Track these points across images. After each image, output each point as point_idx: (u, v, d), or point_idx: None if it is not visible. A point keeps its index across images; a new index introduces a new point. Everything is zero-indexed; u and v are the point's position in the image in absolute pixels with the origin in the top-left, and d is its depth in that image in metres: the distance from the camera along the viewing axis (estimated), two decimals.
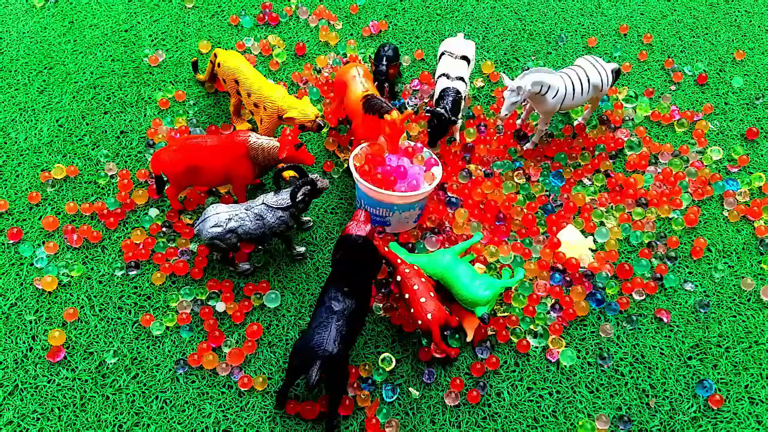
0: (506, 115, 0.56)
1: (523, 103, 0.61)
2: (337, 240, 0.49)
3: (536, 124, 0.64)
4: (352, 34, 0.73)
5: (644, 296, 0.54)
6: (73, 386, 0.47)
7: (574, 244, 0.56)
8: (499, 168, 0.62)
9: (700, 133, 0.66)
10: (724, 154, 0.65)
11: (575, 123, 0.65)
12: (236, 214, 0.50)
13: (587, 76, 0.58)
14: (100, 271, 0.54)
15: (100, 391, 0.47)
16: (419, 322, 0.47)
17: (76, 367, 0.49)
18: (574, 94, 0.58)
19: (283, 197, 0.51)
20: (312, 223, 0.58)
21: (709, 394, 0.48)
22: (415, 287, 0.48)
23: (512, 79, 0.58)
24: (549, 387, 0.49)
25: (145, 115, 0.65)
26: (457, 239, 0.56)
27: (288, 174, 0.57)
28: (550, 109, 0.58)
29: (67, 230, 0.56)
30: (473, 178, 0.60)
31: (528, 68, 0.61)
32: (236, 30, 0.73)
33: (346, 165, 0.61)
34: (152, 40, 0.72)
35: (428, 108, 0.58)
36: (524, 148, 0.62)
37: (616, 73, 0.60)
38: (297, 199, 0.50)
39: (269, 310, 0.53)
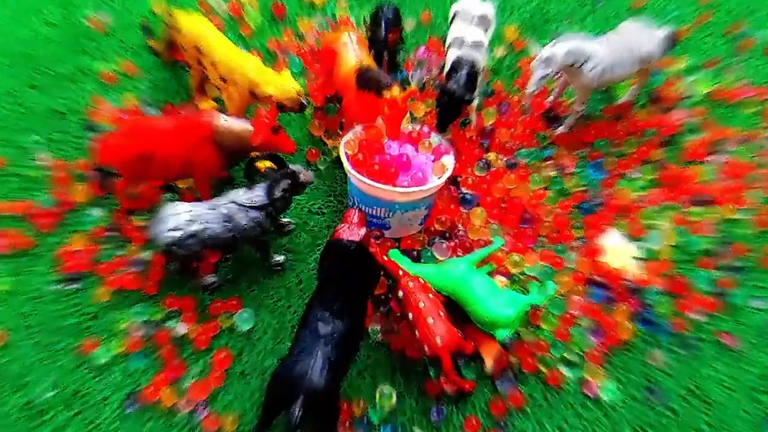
0: (534, 91, 0.55)
1: (556, 77, 0.60)
2: (324, 247, 0.49)
3: (571, 103, 0.63)
4: None
5: (703, 316, 0.54)
6: (3, 425, 0.48)
7: (617, 251, 0.56)
8: (524, 157, 0.61)
9: None
10: None
11: (619, 102, 0.64)
12: (199, 215, 0.50)
13: (633, 45, 0.57)
14: (32, 285, 0.54)
15: None
16: (426, 347, 0.48)
17: (4, 403, 0.49)
18: (617, 66, 0.57)
19: (258, 194, 0.51)
20: (293, 226, 0.58)
21: None
22: (421, 305, 0.49)
23: (542, 47, 0.57)
24: (585, 427, 0.49)
25: (85, 92, 0.65)
26: (473, 246, 0.56)
27: (263, 165, 0.56)
28: (589, 85, 0.57)
29: None
30: (493, 169, 0.60)
31: (561, 34, 0.59)
32: None
33: (335, 154, 0.61)
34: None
35: (437, 83, 0.59)
36: (556, 132, 0.61)
37: (670, 41, 0.60)
38: (274, 197, 0.51)
39: (241, 333, 0.53)
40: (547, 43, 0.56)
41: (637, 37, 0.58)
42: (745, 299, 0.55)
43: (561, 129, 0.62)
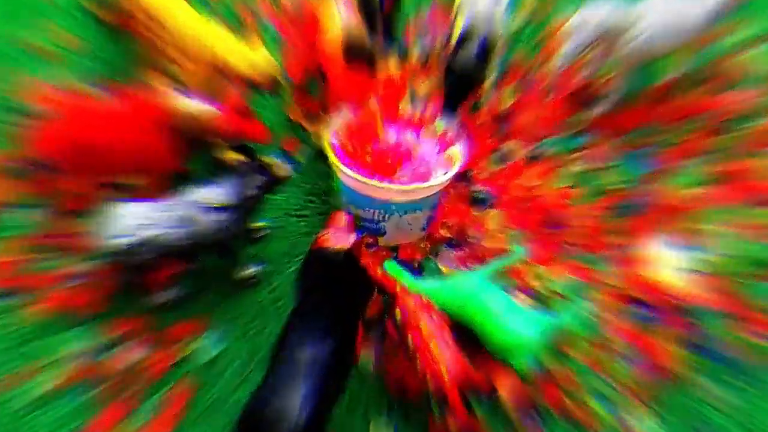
0: (564, 65, 0.57)
1: (590, 49, 0.61)
2: (305, 256, 0.50)
3: (609, 81, 0.64)
4: None
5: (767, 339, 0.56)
6: None
7: (662, 262, 0.58)
8: (550, 147, 0.63)
9: None
10: None
11: (665, 80, 0.64)
12: (152, 218, 0.51)
13: (682, 10, 0.58)
14: None
15: None
16: (429, 379, 0.49)
17: None
18: (664, 35, 0.58)
19: (223, 192, 0.52)
20: (267, 231, 0.59)
21: None
22: (424, 327, 0.50)
23: (574, 11, 0.58)
24: None
25: (14, 69, 0.66)
26: (487, 255, 0.58)
27: (231, 157, 0.58)
28: (632, 58, 0.58)
29: None
30: (512, 162, 0.61)
31: None
32: None
33: (318, 143, 0.62)
34: None
35: (444, 55, 0.59)
36: (590, 116, 0.62)
37: (726, 6, 0.61)
38: (244, 195, 0.51)
39: (205, 362, 0.54)
40: (580, 7, 0.58)
41: (687, 2, 0.59)
42: None
43: (597, 111, 0.62)
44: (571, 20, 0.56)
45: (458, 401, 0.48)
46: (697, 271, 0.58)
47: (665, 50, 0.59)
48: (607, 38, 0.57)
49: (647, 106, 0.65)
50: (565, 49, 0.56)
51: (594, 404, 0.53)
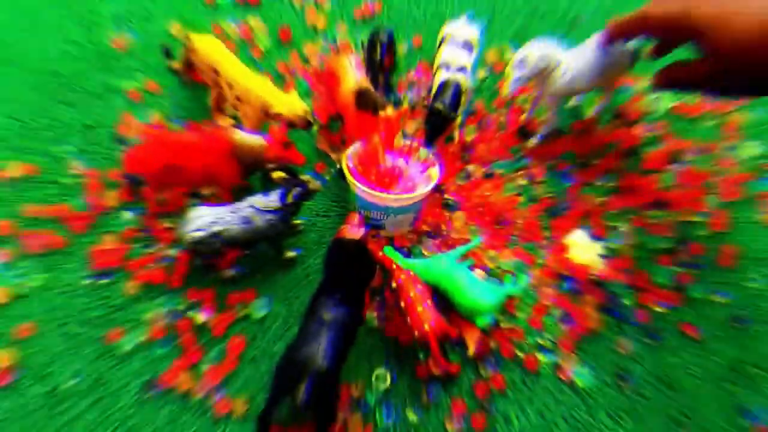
0: (511, 92, 0.60)
1: (529, 84, 0.67)
2: (329, 244, 0.58)
3: (543, 119, 0.71)
4: (342, 17, 0.84)
5: (667, 308, 0.62)
6: (22, 415, 0.53)
7: (583, 248, 0.65)
8: (500, 168, 0.71)
9: (731, 127, 0.74)
10: (762, 150, 0.72)
11: (586, 117, 0.72)
12: (222, 217, 0.59)
13: (599, 57, 0.61)
14: (63, 281, 0.62)
15: (52, 421, 0.53)
16: (416, 332, 0.56)
17: (26, 393, 0.55)
18: (585, 75, 0.62)
19: (273, 199, 0.60)
20: (303, 227, 0.67)
21: (755, 422, 0.53)
22: (412, 295, 0.58)
23: (517, 50, 0.63)
24: (563, 412, 0.55)
25: (112, 107, 0.74)
26: (455, 243, 0.66)
27: (278, 175, 0.64)
28: (559, 92, 0.62)
29: (24, 235, 0.64)
30: (473, 179, 0.69)
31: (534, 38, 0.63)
32: (211, 10, 0.83)
33: (339, 165, 0.70)
34: (115, 21, 0.81)
35: (426, 103, 0.68)
36: (529, 144, 0.69)
37: (633, 57, 0.63)
38: (287, 202, 0.60)
39: (254, 321, 0.61)
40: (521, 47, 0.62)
41: (603, 51, 0.63)
42: (705, 293, 0.62)
43: (534, 141, 0.70)
44: (515, 56, 0.61)
45: (437, 350, 0.55)
46: (608, 255, 0.66)
47: (587, 88, 0.63)
48: (541, 73, 0.62)
49: (572, 137, 0.73)
50: (511, 79, 0.61)
51: (536, 353, 0.59)
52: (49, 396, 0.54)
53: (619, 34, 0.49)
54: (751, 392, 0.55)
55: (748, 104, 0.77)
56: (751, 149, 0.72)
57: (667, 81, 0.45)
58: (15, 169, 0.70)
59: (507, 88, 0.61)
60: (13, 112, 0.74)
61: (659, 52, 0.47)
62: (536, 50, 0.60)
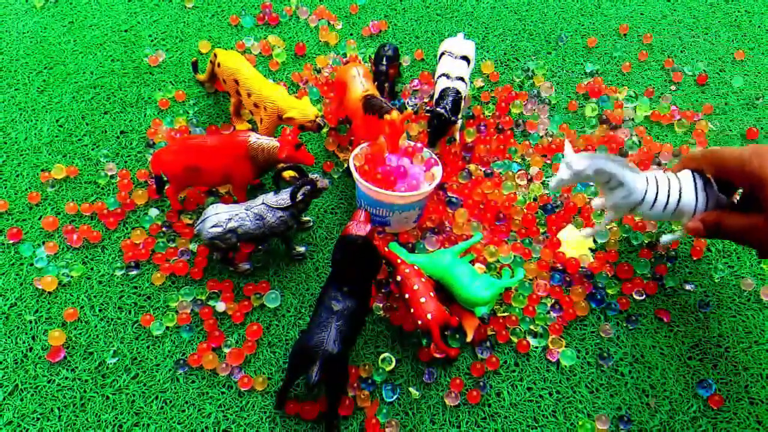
0: (554, 189, 0.44)
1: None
2: (337, 240, 0.49)
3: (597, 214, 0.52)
4: (352, 34, 0.74)
5: (644, 296, 0.54)
6: (73, 386, 0.48)
7: (574, 243, 0.56)
8: (499, 168, 0.61)
9: (700, 133, 0.66)
10: None
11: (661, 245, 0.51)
12: (236, 214, 0.50)
13: (679, 189, 0.43)
14: (100, 271, 0.54)
15: (100, 391, 0.47)
16: (419, 322, 0.47)
17: (76, 367, 0.49)
18: (654, 204, 0.43)
19: (284, 197, 0.51)
20: (312, 223, 0.58)
21: (709, 394, 0.48)
22: (415, 287, 0.48)
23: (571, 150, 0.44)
24: (549, 387, 0.49)
25: (145, 115, 0.65)
26: (457, 239, 0.56)
27: (288, 174, 0.57)
28: (618, 208, 0.45)
29: (67, 230, 0.56)
30: (473, 178, 0.59)
31: (598, 154, 0.43)
32: (236, 30, 0.74)
33: (346, 165, 0.61)
34: (152, 40, 0.72)
35: (428, 108, 0.58)
36: (584, 234, 0.50)
37: (723, 204, 0.43)
38: (297, 199, 0.50)
39: (269, 310, 0.53)
40: (582, 155, 0.43)
41: (687, 185, 0.43)
42: (678, 283, 0.54)
43: (586, 231, 0.50)
44: (566, 156, 0.43)
45: (438, 336, 0.47)
46: (595, 249, 0.57)
47: (654, 217, 0.45)
48: (601, 185, 0.45)
49: (563, 141, 0.63)
50: (557, 177, 0.44)
51: (529, 339, 0.51)
52: (97, 371, 0.48)
53: (690, 167, 0.42)
54: (709, 367, 0.50)
55: (710, 114, 0.68)
56: None
57: (717, 226, 0.38)
58: (59, 171, 0.61)
59: (551, 183, 0.45)
60: (59, 120, 0.66)
61: (720, 189, 0.41)
62: (592, 165, 0.42)
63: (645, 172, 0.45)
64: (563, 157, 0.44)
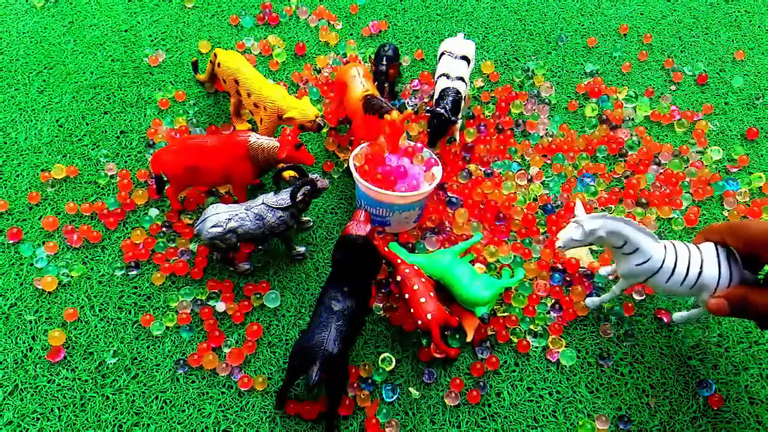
0: (561, 248, 0.40)
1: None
2: (337, 240, 0.49)
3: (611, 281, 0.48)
4: (352, 34, 0.73)
5: (644, 296, 0.54)
6: (73, 386, 0.47)
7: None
8: (499, 168, 0.61)
9: (700, 133, 0.66)
10: (724, 154, 0.65)
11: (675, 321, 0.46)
12: (236, 214, 0.50)
13: (701, 262, 0.37)
14: (100, 271, 0.54)
15: (100, 391, 0.47)
16: (419, 322, 0.47)
17: (76, 367, 0.48)
18: (672, 275, 0.38)
19: (283, 197, 0.51)
20: (312, 223, 0.58)
21: (709, 394, 0.48)
22: (415, 287, 0.48)
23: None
24: (549, 387, 0.49)
25: (145, 115, 0.65)
26: (457, 239, 0.56)
27: (288, 174, 0.56)
28: (632, 276, 0.40)
29: (67, 230, 0.55)
30: (473, 178, 0.59)
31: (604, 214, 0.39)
32: (236, 30, 0.73)
33: (346, 165, 0.61)
34: (152, 40, 0.72)
35: (428, 108, 0.58)
36: (586, 304, 0.47)
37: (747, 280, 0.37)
38: (297, 199, 0.50)
39: (269, 310, 0.52)
40: (593, 214, 0.39)
41: (710, 259, 0.37)
42: None
43: (589, 302, 0.46)
44: (578, 215, 0.39)
45: (438, 336, 0.46)
46: (595, 251, 0.56)
47: (670, 291, 0.41)
48: (613, 249, 0.41)
49: (564, 141, 0.63)
50: (565, 236, 0.39)
51: (529, 339, 0.51)
52: (97, 371, 0.48)
53: (712, 239, 0.37)
54: (709, 367, 0.49)
55: (710, 114, 0.67)
56: (715, 154, 0.64)
57: (744, 304, 0.34)
58: (59, 171, 0.61)
59: (559, 242, 0.40)
60: (59, 120, 0.65)
61: (745, 263, 0.36)
62: (606, 226, 0.38)
63: (663, 241, 0.39)
64: (574, 217, 0.40)
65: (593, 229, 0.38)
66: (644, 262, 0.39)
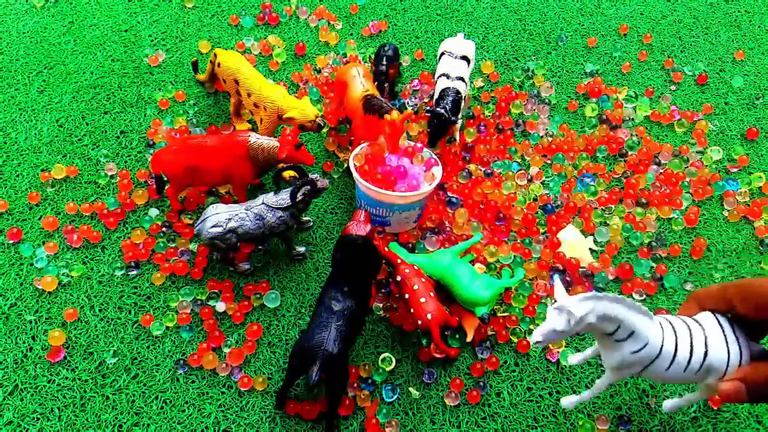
0: (538, 343, 0.30)
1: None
2: (337, 240, 0.49)
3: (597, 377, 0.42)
4: (352, 34, 0.73)
5: (644, 296, 0.54)
6: (73, 386, 0.47)
7: (574, 244, 0.55)
8: (499, 168, 0.61)
9: (700, 133, 0.66)
10: (724, 154, 0.65)
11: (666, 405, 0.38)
12: (236, 214, 0.50)
13: (704, 339, 0.28)
14: (100, 271, 0.54)
15: (100, 391, 0.47)
16: (419, 322, 0.47)
17: (76, 367, 0.48)
18: (672, 362, 0.29)
19: (283, 197, 0.51)
20: (312, 223, 0.58)
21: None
22: (415, 287, 0.48)
23: (562, 290, 0.30)
24: (549, 387, 0.49)
25: (145, 115, 0.65)
26: (457, 239, 0.56)
27: (288, 174, 0.56)
28: (624, 367, 0.30)
29: (67, 230, 0.55)
30: (473, 178, 0.59)
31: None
32: (236, 30, 0.73)
33: (346, 165, 0.61)
34: (152, 40, 0.72)
35: (428, 108, 0.58)
36: (562, 404, 0.38)
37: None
38: (297, 199, 0.50)
39: (269, 310, 0.52)
40: (575, 298, 0.29)
41: (714, 335, 0.29)
42: (679, 282, 0.54)
43: (571, 401, 0.36)
44: (560, 301, 0.30)
45: (438, 336, 0.46)
46: (595, 250, 0.57)
47: (674, 379, 0.31)
48: (602, 337, 0.31)
49: (564, 141, 0.63)
50: (545, 328, 0.30)
51: (529, 338, 0.51)
52: (97, 371, 0.48)
53: (709, 306, 0.29)
54: None
55: (710, 114, 0.67)
56: (715, 154, 0.64)
57: (765, 387, 0.26)
58: (59, 171, 0.61)
59: (535, 336, 0.30)
60: (59, 120, 0.65)
61: (751, 332, 0.28)
62: (592, 303, 0.28)
63: (656, 317, 0.30)
64: (552, 302, 0.31)
65: (581, 315, 0.28)
66: (641, 349, 0.29)
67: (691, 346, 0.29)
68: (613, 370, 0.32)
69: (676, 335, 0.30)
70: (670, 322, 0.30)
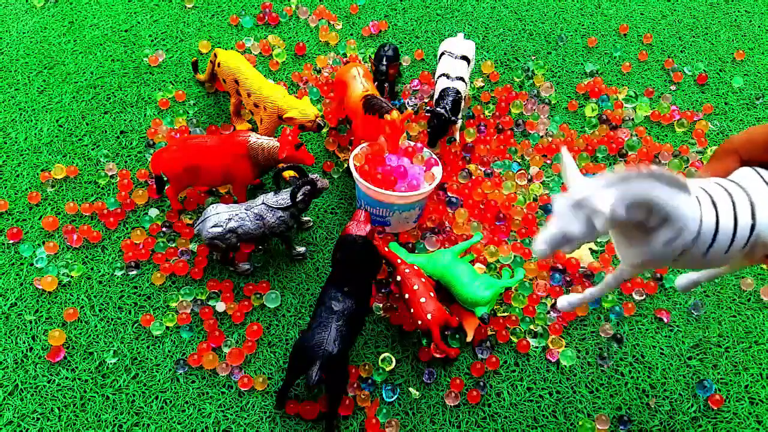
0: (544, 251, 0.21)
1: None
2: (337, 240, 0.49)
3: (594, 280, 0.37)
4: (352, 34, 0.73)
5: (644, 296, 0.54)
6: (73, 386, 0.47)
7: None
8: (499, 168, 0.61)
9: (700, 133, 0.66)
10: None
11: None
12: (236, 214, 0.50)
13: (751, 207, 0.21)
14: (100, 271, 0.54)
15: (100, 391, 0.47)
16: (419, 322, 0.47)
17: (76, 367, 0.49)
18: (715, 238, 0.21)
19: (283, 197, 0.51)
20: (312, 223, 0.58)
21: (709, 394, 0.48)
22: (415, 287, 0.48)
23: (571, 176, 0.22)
24: (549, 387, 0.49)
25: (145, 115, 0.65)
26: (457, 239, 0.56)
27: (288, 174, 0.57)
28: (648, 262, 0.23)
29: (67, 230, 0.55)
30: (473, 178, 0.59)
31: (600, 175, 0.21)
32: (236, 30, 0.73)
33: (346, 165, 0.61)
34: (152, 40, 0.72)
35: (428, 108, 0.58)
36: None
37: None
38: (297, 199, 0.50)
39: (269, 310, 0.52)
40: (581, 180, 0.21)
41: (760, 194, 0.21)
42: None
43: (570, 301, 0.30)
44: (572, 192, 0.20)
45: (438, 336, 0.46)
46: (595, 250, 0.56)
47: (718, 260, 0.21)
48: (628, 228, 0.21)
49: (564, 141, 0.63)
50: (551, 230, 0.22)
51: (529, 339, 0.51)
52: (97, 371, 0.48)
53: (747, 154, 0.20)
54: (709, 367, 0.50)
55: (710, 114, 0.67)
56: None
57: None
58: (59, 171, 0.61)
59: (540, 242, 0.22)
60: (59, 120, 0.65)
61: None
62: (624, 185, 0.20)
63: (690, 183, 0.22)
64: (562, 193, 0.20)
65: (613, 211, 0.19)
66: (675, 238, 0.21)
67: (735, 221, 0.21)
68: (634, 266, 0.23)
69: (716, 210, 0.21)
70: (708, 194, 0.21)
